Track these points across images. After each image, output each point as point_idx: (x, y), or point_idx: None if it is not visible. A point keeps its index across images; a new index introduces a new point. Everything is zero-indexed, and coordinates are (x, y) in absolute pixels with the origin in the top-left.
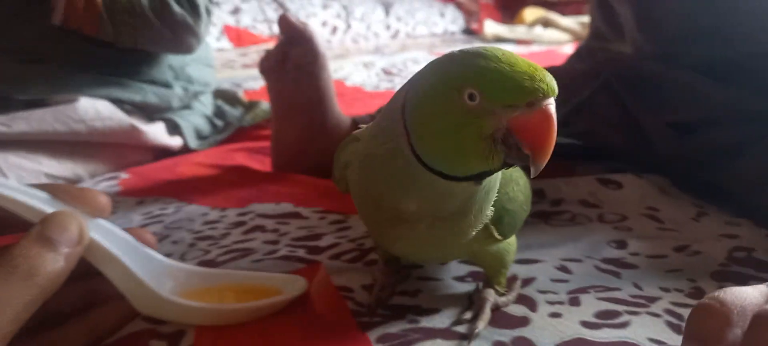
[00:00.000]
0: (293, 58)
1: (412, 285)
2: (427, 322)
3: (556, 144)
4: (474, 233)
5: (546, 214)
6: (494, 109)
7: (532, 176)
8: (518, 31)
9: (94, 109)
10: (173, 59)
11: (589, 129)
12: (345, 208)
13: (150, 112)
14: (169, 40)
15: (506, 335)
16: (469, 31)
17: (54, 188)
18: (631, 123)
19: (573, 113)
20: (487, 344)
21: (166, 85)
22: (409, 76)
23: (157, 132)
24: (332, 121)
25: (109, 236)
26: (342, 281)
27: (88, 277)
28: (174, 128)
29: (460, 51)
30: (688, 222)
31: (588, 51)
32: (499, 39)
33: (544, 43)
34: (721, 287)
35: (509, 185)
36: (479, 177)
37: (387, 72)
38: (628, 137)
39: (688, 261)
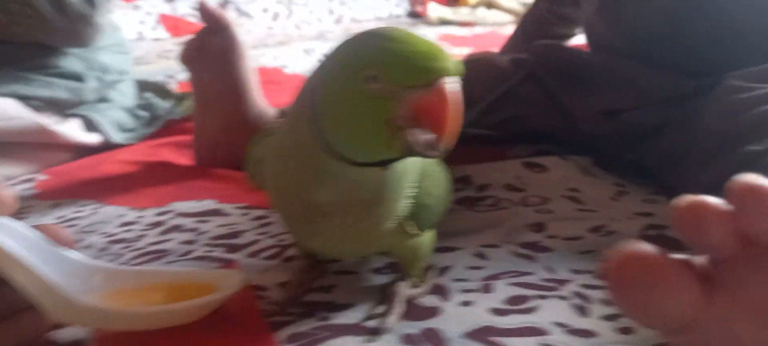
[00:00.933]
0: (211, 47)
1: (328, 280)
2: (339, 318)
3: (485, 132)
4: (390, 226)
5: (471, 200)
6: (395, 90)
7: (434, 158)
8: (462, 13)
9: None
10: (83, 49)
11: (516, 115)
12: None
13: (63, 108)
14: (64, 30)
15: (416, 326)
16: (414, 15)
17: None
18: (557, 108)
19: (500, 100)
20: (396, 338)
21: (78, 78)
22: None
23: (71, 130)
24: (253, 113)
25: (13, 235)
26: (257, 280)
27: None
28: (91, 124)
29: (364, 32)
30: (607, 202)
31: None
32: (444, 21)
33: (488, 24)
34: None
35: (426, 180)
36: (387, 162)
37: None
38: (554, 121)
39: (602, 242)
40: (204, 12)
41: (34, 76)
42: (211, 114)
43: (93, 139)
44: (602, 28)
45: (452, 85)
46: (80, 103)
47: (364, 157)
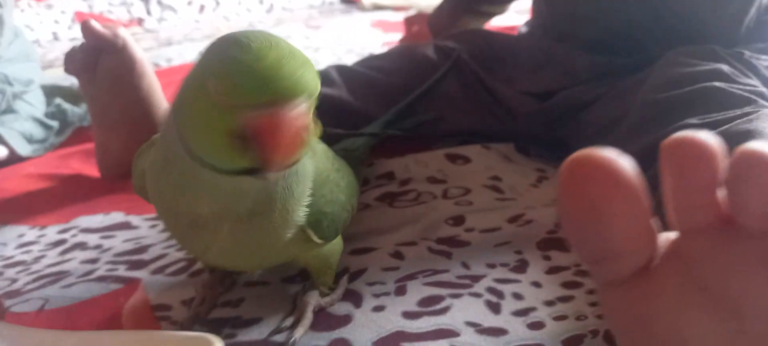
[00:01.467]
0: (104, 67)
1: (237, 293)
2: (245, 334)
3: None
4: (289, 236)
5: (392, 195)
6: (233, 104)
7: (264, 178)
8: None
9: None
10: None
11: (439, 115)
12: None
13: None
14: None
15: (325, 338)
16: (347, 1)
17: None
18: (479, 104)
19: (420, 98)
20: None
21: None
22: None
23: None
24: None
25: None
26: (160, 299)
27: None
28: None
29: (224, 37)
30: (528, 189)
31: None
32: (378, 6)
33: (422, 8)
34: (546, 257)
35: (325, 186)
36: (255, 172)
37: None
38: (474, 121)
39: (519, 232)
40: (89, 33)
41: None
42: (114, 133)
43: None
44: (541, 10)
45: (291, 108)
46: None
47: (224, 165)
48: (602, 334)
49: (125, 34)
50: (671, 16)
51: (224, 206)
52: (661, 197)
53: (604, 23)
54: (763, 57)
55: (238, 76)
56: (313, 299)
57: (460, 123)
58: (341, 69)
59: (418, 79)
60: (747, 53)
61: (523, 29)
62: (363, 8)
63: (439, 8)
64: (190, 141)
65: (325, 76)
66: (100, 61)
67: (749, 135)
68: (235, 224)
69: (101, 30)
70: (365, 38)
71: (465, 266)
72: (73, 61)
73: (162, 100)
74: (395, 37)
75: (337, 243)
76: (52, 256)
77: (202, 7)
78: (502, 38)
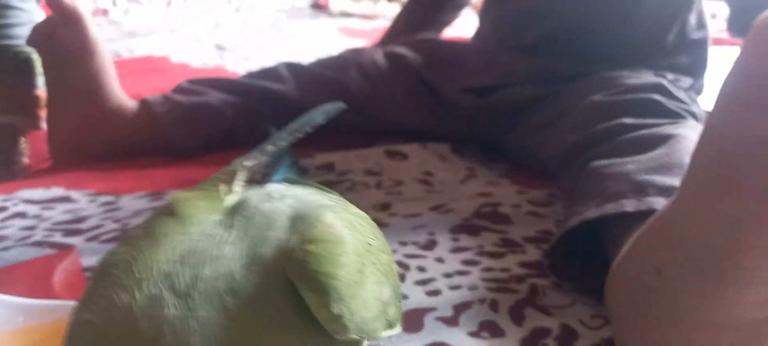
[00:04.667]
0: (63, 41)
1: None
2: None
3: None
4: None
5: (328, 183)
6: None
7: None
8: (364, 5)
9: None
10: None
11: (389, 118)
12: (119, 188)
13: None
14: None
15: None
16: (316, 6)
17: None
18: (424, 101)
19: (373, 101)
20: None
21: None
22: (242, 52)
23: None
24: (113, 107)
25: None
26: (92, 261)
27: None
28: None
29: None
30: (455, 185)
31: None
32: (345, 13)
33: (389, 18)
34: (455, 239)
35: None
36: None
37: (220, 47)
38: (420, 116)
39: (437, 218)
40: (53, 2)
41: None
42: (63, 110)
43: None
44: (489, 13)
45: None
46: None
47: None
48: (488, 302)
49: (84, 11)
50: (597, 23)
51: None
52: None
53: (542, 28)
54: (683, 79)
55: None
56: None
57: (403, 123)
58: (291, 66)
59: (367, 82)
60: (670, 76)
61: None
62: (331, 14)
63: (394, 25)
64: None
65: (274, 72)
66: (56, 34)
67: (671, 138)
68: None
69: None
70: (331, 43)
71: None
72: (34, 31)
73: (115, 86)
74: (359, 43)
75: None
76: None
77: (170, 2)
78: (449, 44)
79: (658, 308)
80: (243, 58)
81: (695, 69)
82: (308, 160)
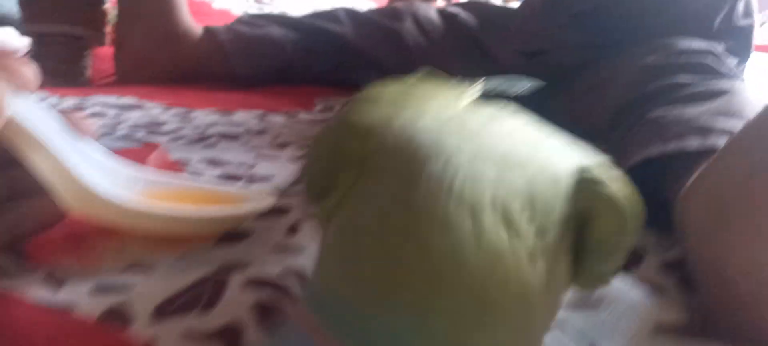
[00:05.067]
0: None
1: None
2: None
3: None
4: None
5: None
6: None
7: None
8: None
9: None
10: None
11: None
12: (190, 102)
13: None
14: None
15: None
16: None
17: None
18: (473, 56)
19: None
20: None
21: None
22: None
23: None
24: (181, 29)
25: (35, 116)
26: (179, 153)
27: (7, 166)
28: None
29: None
30: None
31: None
32: None
33: None
34: None
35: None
36: None
37: (258, 0)
38: (468, 70)
39: None
40: None
41: None
42: (135, 30)
43: None
44: None
45: None
46: None
47: None
48: None
49: None
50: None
51: None
52: None
53: (591, 2)
54: (730, 57)
55: None
56: None
57: (451, 75)
58: (349, 11)
59: (423, 34)
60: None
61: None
62: None
63: None
64: None
65: (332, 15)
66: None
67: (728, 92)
68: None
69: None
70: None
71: None
72: None
73: (185, 10)
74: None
75: None
76: None
77: None
78: (500, 8)
79: (743, 217)
80: (281, 11)
81: (739, 53)
82: None
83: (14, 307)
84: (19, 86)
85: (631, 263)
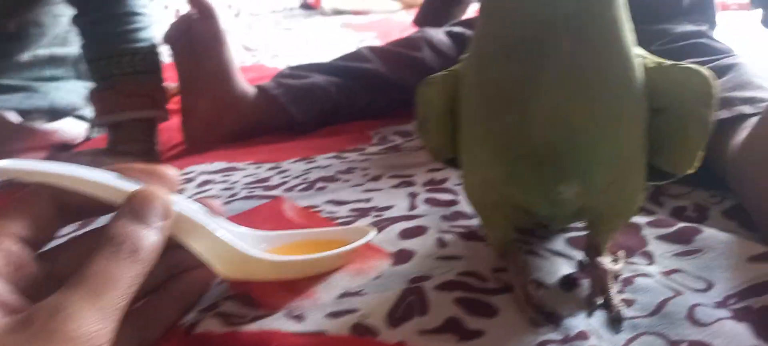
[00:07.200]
0: (198, 32)
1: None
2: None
3: None
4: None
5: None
6: None
7: None
8: (355, 1)
9: None
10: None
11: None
12: (276, 157)
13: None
14: None
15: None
16: (306, 6)
17: (122, 169)
18: None
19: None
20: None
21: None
22: (269, 51)
23: (67, 125)
24: (239, 93)
25: (186, 207)
26: (303, 201)
27: (168, 250)
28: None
29: None
30: None
31: None
32: (337, 11)
33: (380, 12)
34: None
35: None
36: None
37: (247, 48)
38: None
39: None
40: (194, 0)
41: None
42: (198, 96)
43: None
44: None
45: None
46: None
47: None
48: None
49: (214, 4)
50: None
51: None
52: None
53: None
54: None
55: None
56: (608, 265)
57: None
58: (371, 49)
59: (439, 56)
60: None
61: None
62: (324, 13)
63: (424, 7)
64: None
65: (359, 55)
66: (192, 28)
67: (734, 66)
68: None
69: None
70: (342, 37)
71: None
72: (171, 29)
73: (239, 74)
74: (368, 36)
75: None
76: (190, 188)
77: (177, 11)
78: None
79: None
80: (273, 56)
81: (709, 20)
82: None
83: (278, 339)
84: (168, 187)
85: (699, 218)
